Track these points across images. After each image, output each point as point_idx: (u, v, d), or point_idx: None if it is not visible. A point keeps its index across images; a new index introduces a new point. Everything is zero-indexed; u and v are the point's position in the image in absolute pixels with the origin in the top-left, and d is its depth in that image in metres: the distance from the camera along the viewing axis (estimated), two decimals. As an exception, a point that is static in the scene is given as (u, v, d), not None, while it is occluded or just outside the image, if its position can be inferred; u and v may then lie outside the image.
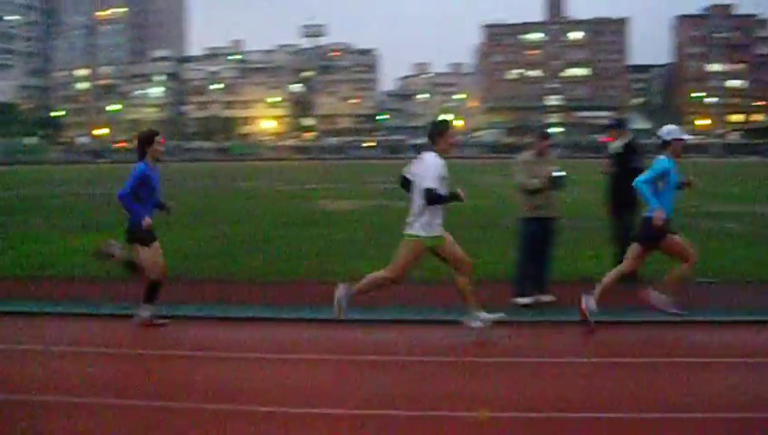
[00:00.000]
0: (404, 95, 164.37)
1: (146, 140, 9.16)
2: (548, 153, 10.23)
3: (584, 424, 6.11)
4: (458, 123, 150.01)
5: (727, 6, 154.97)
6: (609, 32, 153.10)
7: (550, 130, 11.72)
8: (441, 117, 9.64)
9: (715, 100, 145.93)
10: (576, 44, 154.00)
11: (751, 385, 7.05)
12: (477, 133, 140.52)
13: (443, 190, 8.25)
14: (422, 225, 8.33)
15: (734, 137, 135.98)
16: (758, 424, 6.10)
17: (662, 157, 9.03)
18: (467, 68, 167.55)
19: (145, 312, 9.10)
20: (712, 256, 13.43)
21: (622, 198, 11.00)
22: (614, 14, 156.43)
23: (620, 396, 6.72)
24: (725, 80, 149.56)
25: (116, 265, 9.65)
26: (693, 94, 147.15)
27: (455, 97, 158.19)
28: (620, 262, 9.75)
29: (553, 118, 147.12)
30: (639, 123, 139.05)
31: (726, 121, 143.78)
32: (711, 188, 33.85)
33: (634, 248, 9.24)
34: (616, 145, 11.29)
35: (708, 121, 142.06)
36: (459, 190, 8.29)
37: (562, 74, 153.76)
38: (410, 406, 6.45)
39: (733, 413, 6.28)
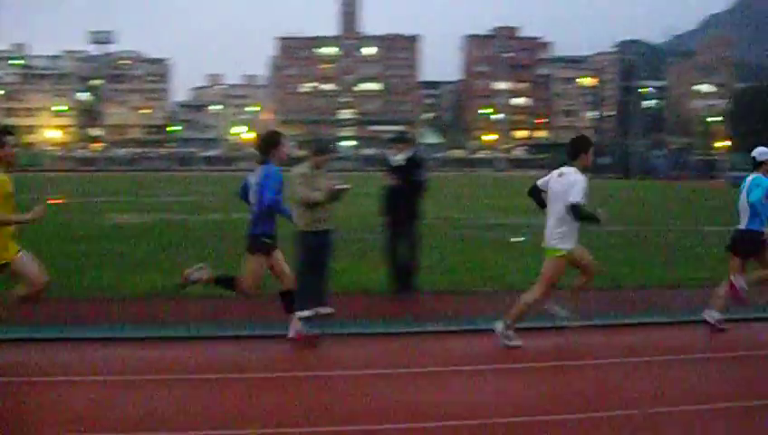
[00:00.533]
0: (197, 106, 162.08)
1: (272, 142, 8.83)
2: (326, 166, 10.17)
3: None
4: (251, 136, 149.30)
5: (513, 28, 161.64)
6: (401, 48, 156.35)
7: (335, 144, 11.74)
8: (581, 135, 9.83)
9: (501, 116, 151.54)
10: (369, 59, 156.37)
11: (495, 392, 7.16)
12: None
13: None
14: (560, 237, 8.60)
15: (518, 152, 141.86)
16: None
17: (759, 175, 9.83)
18: (261, 80, 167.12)
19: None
20: (494, 267, 13.79)
21: (404, 210, 11.10)
22: (406, 32, 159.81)
23: (394, 406, 6.71)
24: (511, 97, 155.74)
25: (208, 287, 9.16)
26: (480, 111, 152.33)
27: (248, 109, 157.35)
28: (398, 271, 9.88)
29: (346, 131, 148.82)
30: (430, 138, 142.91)
31: (512, 137, 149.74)
32: (495, 200, 35.01)
33: (736, 262, 9.90)
34: (399, 158, 11.37)
35: (495, 137, 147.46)
36: (600, 211, 8.62)
37: (356, 89, 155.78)
38: (189, 426, 6.20)
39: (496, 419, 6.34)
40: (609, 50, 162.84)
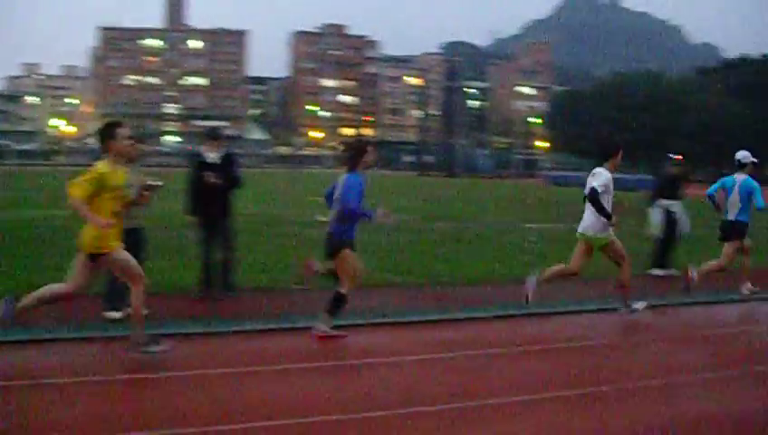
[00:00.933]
0: (11, 97, 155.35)
1: (360, 151, 9.07)
2: (138, 161, 9.73)
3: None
4: (71, 129, 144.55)
5: (341, 26, 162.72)
6: (228, 43, 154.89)
7: (145, 138, 11.29)
8: (613, 140, 11.01)
9: (328, 114, 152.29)
10: (195, 53, 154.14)
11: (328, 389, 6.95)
12: (90, 139, 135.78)
13: (607, 202, 9.80)
14: (602, 227, 9.92)
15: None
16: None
17: (747, 177, 11.50)
18: (82, 71, 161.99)
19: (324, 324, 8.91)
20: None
21: (218, 207, 10.83)
22: (234, 26, 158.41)
23: (212, 407, 6.39)
24: (338, 95, 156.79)
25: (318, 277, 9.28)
26: (308, 107, 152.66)
27: (67, 101, 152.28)
28: (214, 270, 9.64)
29: (170, 126, 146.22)
30: (256, 134, 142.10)
31: (338, 134, 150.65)
32: (321, 197, 34.84)
33: (728, 247, 11.66)
34: (214, 155, 11.06)
35: (322, 134, 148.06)
36: (615, 217, 9.80)
37: (181, 83, 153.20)
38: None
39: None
40: (435, 50, 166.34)
